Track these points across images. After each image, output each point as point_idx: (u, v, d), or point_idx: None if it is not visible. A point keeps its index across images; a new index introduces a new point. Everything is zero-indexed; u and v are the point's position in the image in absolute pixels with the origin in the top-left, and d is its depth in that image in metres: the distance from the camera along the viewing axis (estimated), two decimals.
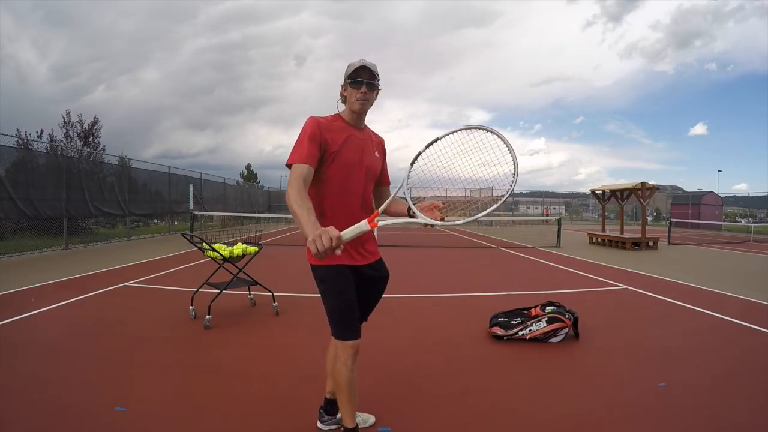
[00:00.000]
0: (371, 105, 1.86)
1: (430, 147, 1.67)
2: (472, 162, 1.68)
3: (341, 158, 1.79)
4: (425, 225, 1.61)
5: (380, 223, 1.59)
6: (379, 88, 1.86)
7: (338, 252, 1.33)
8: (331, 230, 1.33)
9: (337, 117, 1.88)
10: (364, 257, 1.89)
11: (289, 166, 1.72)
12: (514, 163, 1.58)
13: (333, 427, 2.06)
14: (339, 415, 2.05)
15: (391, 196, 1.77)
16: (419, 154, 1.67)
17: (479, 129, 1.62)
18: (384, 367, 2.84)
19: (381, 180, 2.03)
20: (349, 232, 1.45)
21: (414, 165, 1.68)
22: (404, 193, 1.67)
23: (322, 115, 1.86)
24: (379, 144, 2.01)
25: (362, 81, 1.78)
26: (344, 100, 1.87)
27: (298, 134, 1.76)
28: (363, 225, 1.49)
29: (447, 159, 1.68)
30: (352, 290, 1.83)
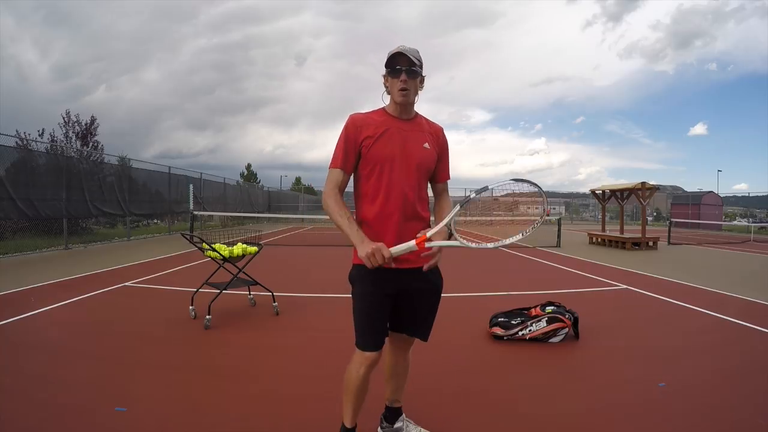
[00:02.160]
0: (416, 94, 1.72)
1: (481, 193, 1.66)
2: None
3: (375, 153, 1.67)
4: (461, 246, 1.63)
5: (428, 245, 1.56)
6: (424, 74, 1.73)
7: (392, 265, 1.57)
8: (383, 249, 1.51)
9: (380, 111, 1.76)
10: (407, 260, 1.68)
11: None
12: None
13: None
14: (397, 425, 1.99)
15: (443, 222, 1.64)
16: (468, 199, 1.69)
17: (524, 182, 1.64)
18: (384, 367, 2.84)
19: (435, 175, 1.84)
20: (397, 250, 1.54)
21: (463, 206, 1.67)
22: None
23: (365, 111, 1.77)
24: (434, 133, 1.80)
25: (401, 69, 1.64)
26: (388, 91, 1.74)
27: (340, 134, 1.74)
28: (412, 244, 1.54)
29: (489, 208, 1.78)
30: (380, 297, 1.68)
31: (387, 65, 1.67)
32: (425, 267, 1.67)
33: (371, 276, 1.64)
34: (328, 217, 1.70)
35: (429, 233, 1.57)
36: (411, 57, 1.64)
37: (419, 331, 1.85)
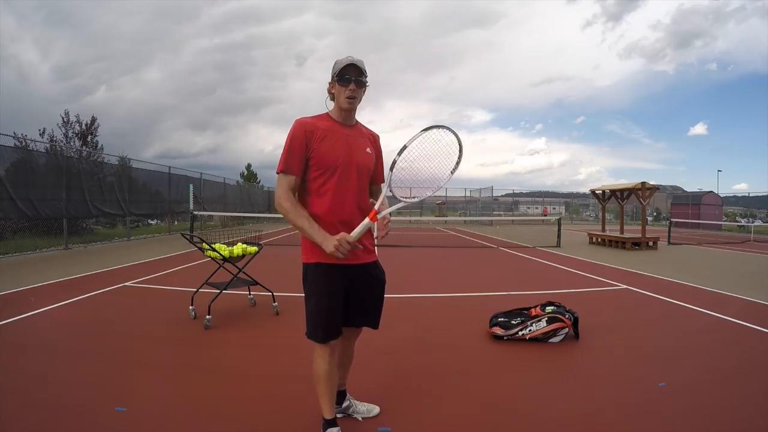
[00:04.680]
0: (359, 102, 1.86)
1: (404, 152, 1.78)
2: (436, 163, 1.85)
3: (328, 158, 1.78)
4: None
5: (379, 214, 1.72)
6: (367, 84, 1.85)
7: (359, 246, 1.69)
8: (346, 236, 1.64)
9: (325, 116, 1.88)
10: (356, 256, 1.82)
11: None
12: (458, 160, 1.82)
13: (339, 416, 2.10)
14: (344, 404, 2.14)
15: (382, 194, 1.84)
16: (394, 162, 1.78)
17: (439, 128, 1.80)
18: (384, 367, 2.84)
19: (375, 177, 2.00)
20: (357, 232, 1.67)
21: (393, 170, 1.79)
22: (389, 190, 1.82)
23: (310, 115, 1.87)
24: (372, 139, 1.97)
25: (350, 78, 1.78)
26: (332, 97, 1.87)
27: (286, 138, 1.80)
28: (366, 222, 1.67)
29: (415, 161, 1.82)
30: (336, 293, 1.81)
31: (337, 75, 1.79)
32: (382, 235, 1.83)
33: (328, 274, 1.79)
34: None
35: (376, 206, 1.75)
36: (360, 68, 1.79)
37: (369, 321, 1.98)
